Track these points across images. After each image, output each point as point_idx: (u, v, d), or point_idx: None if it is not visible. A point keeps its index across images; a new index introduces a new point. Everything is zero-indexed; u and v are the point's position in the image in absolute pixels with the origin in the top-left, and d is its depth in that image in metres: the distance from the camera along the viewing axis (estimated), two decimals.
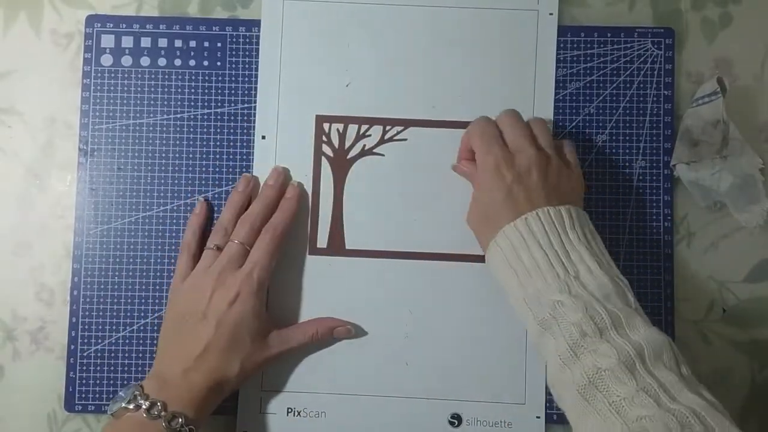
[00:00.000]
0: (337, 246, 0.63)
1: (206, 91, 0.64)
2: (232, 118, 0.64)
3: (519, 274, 0.54)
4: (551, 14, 0.64)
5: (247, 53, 0.65)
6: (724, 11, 0.65)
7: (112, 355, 0.63)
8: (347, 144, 0.64)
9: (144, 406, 0.54)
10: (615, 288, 0.52)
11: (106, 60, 0.65)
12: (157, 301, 0.63)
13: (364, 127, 0.64)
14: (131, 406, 0.54)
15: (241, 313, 0.58)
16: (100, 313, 0.63)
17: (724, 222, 0.64)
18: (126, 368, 0.63)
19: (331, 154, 0.64)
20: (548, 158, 0.57)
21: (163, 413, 0.54)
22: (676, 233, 0.64)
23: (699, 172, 0.62)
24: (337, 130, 0.64)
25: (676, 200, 0.64)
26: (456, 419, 0.62)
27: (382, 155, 0.64)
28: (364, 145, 0.64)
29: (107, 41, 0.65)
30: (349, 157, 0.64)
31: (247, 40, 0.65)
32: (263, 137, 0.64)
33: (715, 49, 0.65)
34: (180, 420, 0.54)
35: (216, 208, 0.64)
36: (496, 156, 0.57)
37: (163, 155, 0.64)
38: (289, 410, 0.62)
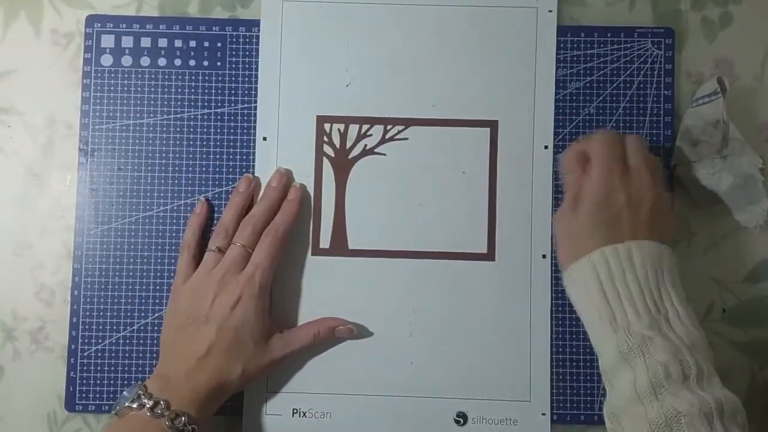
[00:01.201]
0: (339, 246, 0.63)
1: (206, 91, 0.64)
2: (233, 118, 0.64)
3: (609, 299, 0.53)
4: (550, 11, 0.64)
5: (247, 53, 0.65)
6: (724, 11, 0.65)
7: (113, 355, 0.63)
8: (348, 144, 0.64)
9: (148, 405, 0.54)
10: (701, 340, 0.52)
11: (106, 60, 0.64)
12: (157, 301, 0.63)
13: (365, 127, 0.64)
14: (135, 405, 0.54)
15: (242, 317, 0.58)
16: (100, 313, 0.63)
17: (724, 222, 0.64)
18: (126, 368, 0.63)
19: (333, 155, 0.64)
20: (661, 194, 0.56)
21: (166, 412, 0.54)
22: (675, 233, 0.64)
23: (699, 172, 0.62)
24: (338, 130, 0.64)
25: (676, 200, 0.64)
26: (461, 417, 0.62)
27: (384, 155, 0.64)
28: (366, 145, 0.64)
29: (107, 41, 0.64)
30: (350, 157, 0.64)
31: (247, 40, 0.65)
32: (264, 138, 0.64)
33: (715, 49, 0.65)
34: (183, 419, 0.54)
35: (216, 209, 0.64)
36: (614, 178, 0.55)
37: (163, 155, 0.64)
38: (295, 411, 0.62)
